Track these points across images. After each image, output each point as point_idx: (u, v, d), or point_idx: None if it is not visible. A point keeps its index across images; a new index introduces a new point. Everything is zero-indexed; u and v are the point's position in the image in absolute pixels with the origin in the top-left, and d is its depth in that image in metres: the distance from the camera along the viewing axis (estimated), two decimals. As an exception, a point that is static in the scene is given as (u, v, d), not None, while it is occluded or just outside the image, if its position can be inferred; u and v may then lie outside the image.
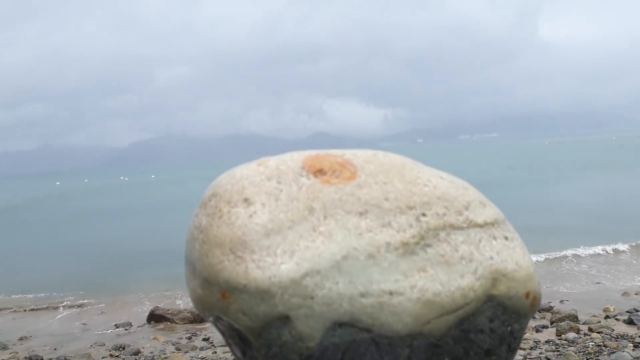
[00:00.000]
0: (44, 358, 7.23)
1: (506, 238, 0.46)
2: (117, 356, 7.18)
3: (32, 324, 9.10)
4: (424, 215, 0.41)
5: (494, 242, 0.44)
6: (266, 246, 0.36)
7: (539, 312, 7.95)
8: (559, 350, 6.14)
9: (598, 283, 9.53)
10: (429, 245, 0.39)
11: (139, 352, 7.29)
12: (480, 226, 0.44)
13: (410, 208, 0.41)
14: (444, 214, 0.42)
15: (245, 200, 0.38)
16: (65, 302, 10.41)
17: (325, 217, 0.39)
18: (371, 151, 0.46)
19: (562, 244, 12.33)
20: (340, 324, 0.36)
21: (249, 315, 0.35)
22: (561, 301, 8.51)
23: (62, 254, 16.52)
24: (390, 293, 0.36)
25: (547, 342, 6.56)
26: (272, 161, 0.42)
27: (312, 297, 0.35)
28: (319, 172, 0.41)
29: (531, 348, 6.38)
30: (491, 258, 0.43)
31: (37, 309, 10.01)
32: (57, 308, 10.11)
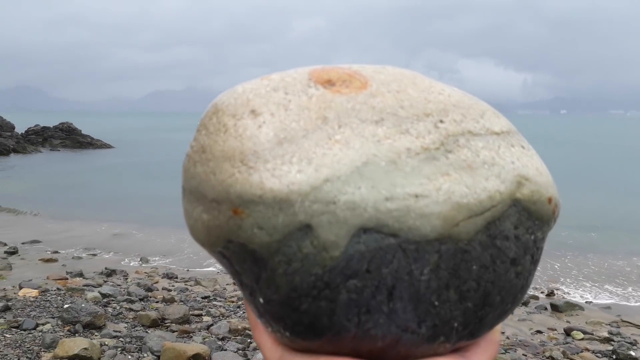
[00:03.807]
0: (178, 276, 8.12)
1: (523, 147, 0.44)
2: (239, 285, 7.84)
3: (171, 245, 10.17)
4: (441, 122, 0.39)
5: (512, 149, 0.43)
6: (280, 155, 0.35)
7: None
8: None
9: None
10: (449, 151, 0.37)
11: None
12: (497, 134, 0.42)
13: (427, 115, 0.39)
14: (462, 121, 0.40)
15: (252, 111, 0.36)
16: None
17: (340, 126, 0.37)
18: (378, 65, 0.44)
19: None
20: (365, 230, 0.34)
21: (266, 229, 0.33)
22: None
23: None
24: (416, 196, 0.34)
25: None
26: (276, 75, 0.41)
27: (334, 203, 0.33)
28: (328, 82, 0.39)
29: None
30: (512, 162, 0.41)
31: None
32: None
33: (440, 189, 0.40)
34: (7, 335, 5.02)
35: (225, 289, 7.55)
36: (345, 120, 0.42)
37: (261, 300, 0.41)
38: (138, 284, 7.28)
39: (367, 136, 0.41)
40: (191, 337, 5.41)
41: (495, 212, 0.42)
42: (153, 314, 5.78)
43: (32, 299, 6.18)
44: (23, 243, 9.70)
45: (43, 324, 5.35)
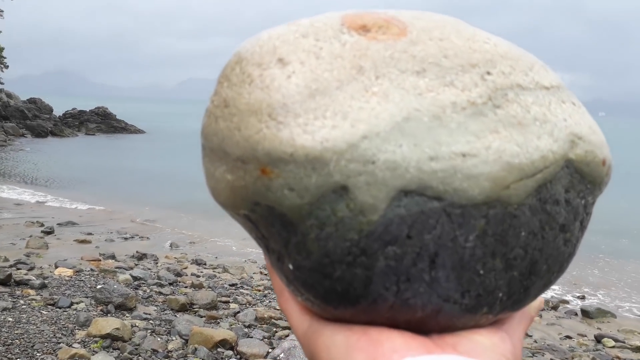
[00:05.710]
0: (207, 263, 8.25)
1: (574, 103, 0.41)
2: (265, 274, 7.92)
3: (201, 231, 10.33)
4: (488, 73, 0.36)
5: (563, 106, 0.39)
6: (312, 108, 0.32)
7: None
8: None
9: None
10: (498, 106, 0.34)
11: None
12: (547, 88, 0.39)
13: (473, 66, 0.35)
14: (510, 73, 0.37)
15: (280, 60, 0.33)
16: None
17: (377, 77, 0.34)
18: (416, 10, 0.40)
19: None
20: (406, 192, 0.32)
21: (297, 191, 0.31)
22: None
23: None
24: (463, 155, 0.31)
25: None
26: (305, 20, 0.37)
27: (373, 162, 0.30)
28: (362, 28, 0.36)
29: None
30: (565, 120, 0.37)
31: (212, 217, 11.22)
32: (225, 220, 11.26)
33: (490, 147, 0.37)
34: (43, 312, 5.20)
35: (252, 277, 7.64)
36: (383, 70, 0.38)
37: (290, 266, 0.38)
38: (168, 269, 7.43)
39: (407, 88, 0.37)
40: (218, 323, 5.51)
41: (547, 173, 0.39)
42: (182, 299, 5.90)
43: (67, 278, 6.38)
44: (59, 224, 10.00)
45: (77, 303, 5.53)
